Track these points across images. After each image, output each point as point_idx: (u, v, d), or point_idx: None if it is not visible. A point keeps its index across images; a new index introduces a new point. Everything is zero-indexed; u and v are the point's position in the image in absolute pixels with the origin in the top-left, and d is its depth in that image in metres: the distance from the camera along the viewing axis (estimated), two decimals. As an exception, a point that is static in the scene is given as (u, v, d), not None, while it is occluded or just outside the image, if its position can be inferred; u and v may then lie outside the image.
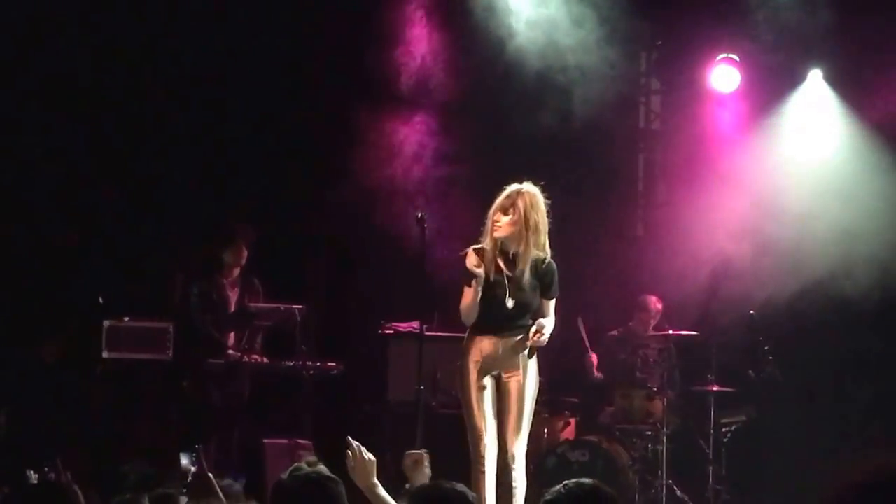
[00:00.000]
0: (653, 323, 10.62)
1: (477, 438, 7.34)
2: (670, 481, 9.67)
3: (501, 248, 7.29)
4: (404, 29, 10.43)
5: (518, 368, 7.37)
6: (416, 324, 7.90)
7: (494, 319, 7.33)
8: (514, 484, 7.30)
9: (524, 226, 7.21)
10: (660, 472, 9.71)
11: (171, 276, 10.21)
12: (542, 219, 7.26)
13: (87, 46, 10.16)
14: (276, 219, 10.45)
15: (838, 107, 10.92)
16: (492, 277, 7.26)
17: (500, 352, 7.37)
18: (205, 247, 9.73)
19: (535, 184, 7.24)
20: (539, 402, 7.68)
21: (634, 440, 9.97)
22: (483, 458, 7.29)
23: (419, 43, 10.37)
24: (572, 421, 10.23)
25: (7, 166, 10.03)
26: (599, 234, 11.29)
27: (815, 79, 10.99)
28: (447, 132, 10.44)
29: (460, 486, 4.13)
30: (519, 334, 7.36)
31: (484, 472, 7.28)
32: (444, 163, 10.34)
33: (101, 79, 10.22)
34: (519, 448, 7.35)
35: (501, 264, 7.27)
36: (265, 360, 9.59)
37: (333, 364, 9.51)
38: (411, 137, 10.56)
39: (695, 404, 10.17)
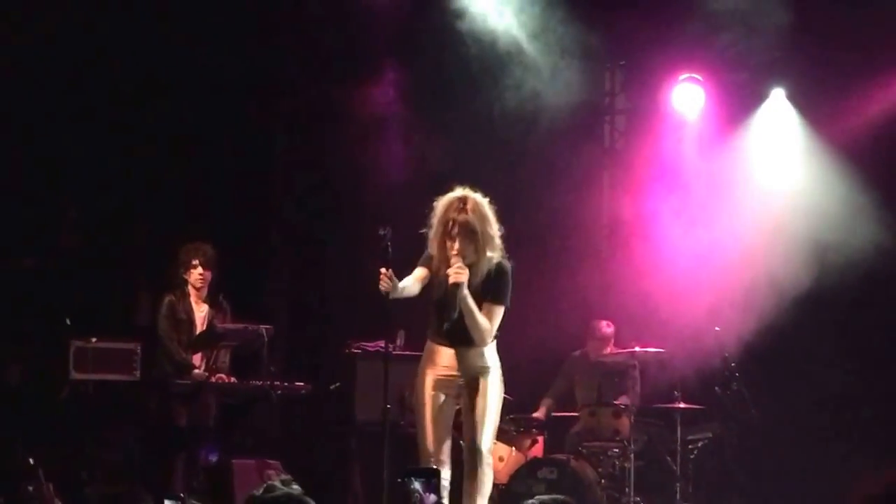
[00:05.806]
0: (607, 348, 10.56)
1: (424, 460, 7.04)
2: (638, 498, 9.68)
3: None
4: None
5: (478, 382, 7.09)
6: (383, 343, 7.87)
7: (451, 327, 7.03)
8: (479, 478, 7.03)
9: (480, 245, 6.97)
10: (627, 489, 9.71)
11: (136, 295, 10.17)
12: (493, 226, 7.01)
13: (49, 57, 10.08)
14: (240, 237, 10.43)
15: (800, 125, 11.03)
16: (445, 285, 6.99)
17: (458, 364, 7.13)
18: (170, 265, 9.68)
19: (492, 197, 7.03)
20: (507, 420, 7.59)
21: (602, 457, 9.98)
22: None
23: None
24: (540, 439, 10.25)
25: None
26: (564, 253, 11.32)
27: (778, 97, 11.10)
28: (413, 148, 10.46)
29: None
30: (474, 346, 7.08)
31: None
32: (409, 179, 10.33)
33: (60, 98, 10.15)
34: (484, 442, 7.06)
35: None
36: (232, 379, 9.56)
37: (301, 384, 9.49)
38: (380, 155, 10.59)
39: (661, 421, 10.20)
